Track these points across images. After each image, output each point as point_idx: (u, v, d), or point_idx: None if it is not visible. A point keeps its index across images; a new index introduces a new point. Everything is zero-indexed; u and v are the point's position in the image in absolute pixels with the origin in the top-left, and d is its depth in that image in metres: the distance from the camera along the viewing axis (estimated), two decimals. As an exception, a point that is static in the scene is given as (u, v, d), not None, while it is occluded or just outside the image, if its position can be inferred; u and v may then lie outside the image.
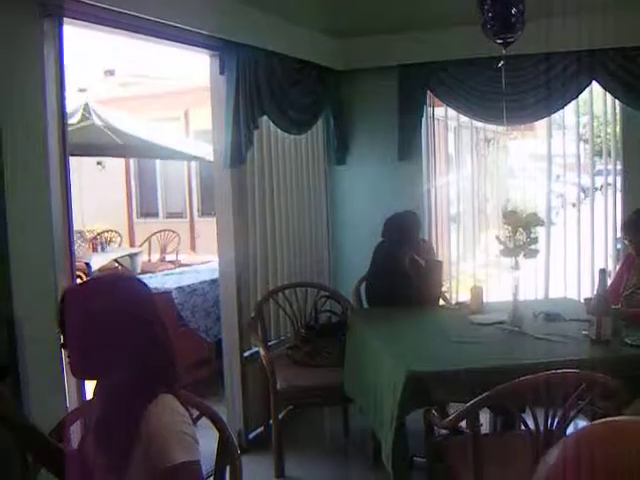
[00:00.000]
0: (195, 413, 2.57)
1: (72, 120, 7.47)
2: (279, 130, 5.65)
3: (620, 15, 5.25)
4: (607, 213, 6.27)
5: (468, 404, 3.09)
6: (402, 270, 5.07)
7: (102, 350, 2.09)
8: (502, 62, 4.57)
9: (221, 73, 4.97)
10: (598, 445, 1.44)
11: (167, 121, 14.02)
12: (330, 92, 6.20)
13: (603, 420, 1.51)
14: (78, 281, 3.56)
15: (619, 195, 6.09)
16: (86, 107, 8.02)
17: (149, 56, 11.80)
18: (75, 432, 2.58)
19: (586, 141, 8.09)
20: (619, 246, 6.10)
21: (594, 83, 5.68)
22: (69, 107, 5.17)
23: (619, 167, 6.15)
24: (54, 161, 3.59)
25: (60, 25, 3.60)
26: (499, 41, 4.29)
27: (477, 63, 5.79)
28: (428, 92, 6.15)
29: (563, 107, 5.84)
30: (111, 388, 2.12)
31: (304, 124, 5.91)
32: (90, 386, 2.29)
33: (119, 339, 2.10)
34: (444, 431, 3.92)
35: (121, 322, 2.11)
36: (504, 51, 4.39)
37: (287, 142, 5.91)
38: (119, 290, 2.20)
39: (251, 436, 5.36)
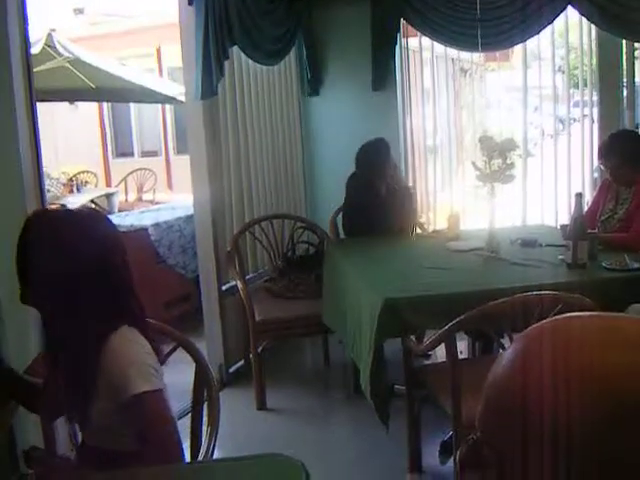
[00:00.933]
0: (171, 345, 2.56)
1: (34, 50, 7.29)
2: (251, 62, 5.57)
3: None
4: (584, 143, 6.27)
5: (444, 328, 3.10)
6: (375, 200, 5.05)
7: (60, 278, 2.05)
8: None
9: (190, 4, 4.87)
10: (547, 342, 1.45)
11: (139, 58, 13.85)
12: (302, 22, 6.11)
13: (552, 318, 1.53)
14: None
15: (595, 125, 6.08)
16: (49, 38, 7.79)
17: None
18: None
19: (563, 72, 8.04)
20: (596, 175, 6.11)
21: (570, 10, 5.61)
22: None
23: (595, 98, 6.12)
24: (20, 103, 3.47)
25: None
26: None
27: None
28: (402, 21, 6.06)
29: (538, 32, 5.77)
30: (69, 320, 2.08)
31: (276, 55, 5.83)
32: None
33: (79, 269, 2.06)
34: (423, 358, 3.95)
35: (83, 252, 2.07)
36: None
37: (259, 74, 5.84)
38: (86, 221, 2.17)
39: (232, 370, 5.38)
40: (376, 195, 5.08)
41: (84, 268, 2.06)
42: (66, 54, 7.97)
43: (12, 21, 3.43)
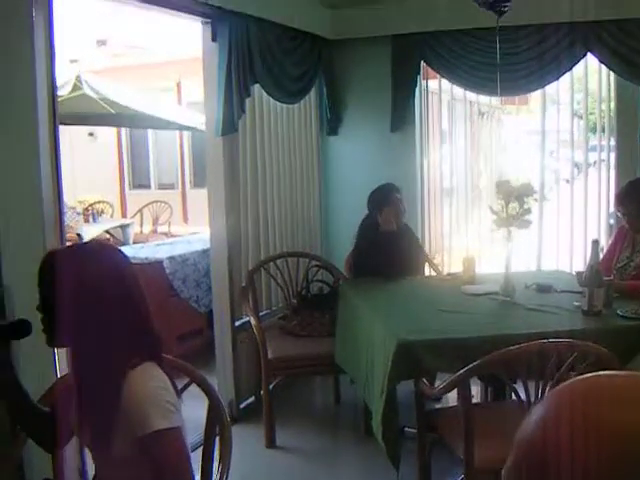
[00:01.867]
0: (185, 381, 2.57)
1: (64, 91, 7.41)
2: (272, 99, 5.61)
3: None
4: (600, 189, 6.25)
5: (458, 373, 3.09)
6: (384, 242, 5.06)
7: (78, 316, 2.06)
8: (497, 29, 4.51)
9: (213, 40, 4.93)
10: (578, 401, 1.43)
11: (159, 92, 13.93)
12: (323, 62, 6.16)
13: (584, 376, 1.51)
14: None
15: (612, 171, 6.07)
16: (78, 78, 7.94)
17: (141, 26, 11.75)
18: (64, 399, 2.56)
19: (580, 117, 8.06)
20: (612, 221, 6.10)
21: (589, 57, 5.65)
22: (61, 78, 5.13)
23: (613, 143, 6.13)
24: (44, 132, 3.53)
25: (50, -9, 3.55)
26: (495, 9, 4.23)
27: (471, 34, 5.75)
28: (422, 63, 6.10)
29: (557, 79, 5.81)
30: (89, 357, 2.10)
31: (297, 93, 5.88)
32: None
33: (97, 306, 2.07)
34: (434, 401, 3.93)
35: (100, 289, 2.08)
36: (497, 21, 4.33)
37: (280, 112, 5.87)
38: (100, 257, 2.18)
39: (242, 406, 5.37)
40: (382, 237, 5.09)
41: (104, 305, 2.07)
42: (91, 93, 8.05)
43: (39, 53, 3.48)
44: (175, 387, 2.20)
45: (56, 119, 3.62)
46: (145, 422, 1.99)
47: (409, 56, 6.04)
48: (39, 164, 3.47)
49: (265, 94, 5.49)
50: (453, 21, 5.72)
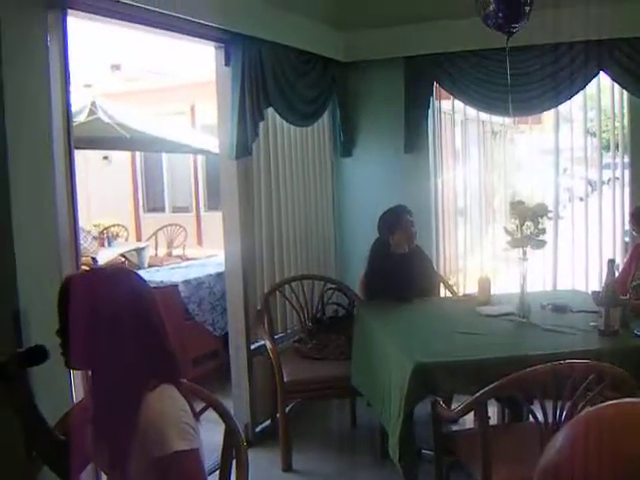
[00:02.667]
0: (201, 405, 2.56)
1: (79, 118, 7.46)
2: (285, 122, 5.63)
3: (628, 5, 5.23)
4: (615, 206, 6.24)
5: (475, 395, 3.08)
6: (395, 265, 5.06)
7: (98, 340, 2.07)
8: (507, 50, 4.51)
9: (226, 65, 4.96)
10: (606, 427, 1.41)
11: (174, 115, 14.03)
12: (336, 84, 6.18)
13: (613, 402, 1.48)
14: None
15: (627, 189, 6.06)
16: (93, 104, 7.99)
17: (155, 50, 11.82)
18: (80, 424, 2.57)
19: (593, 135, 8.05)
20: (627, 239, 6.08)
21: (602, 75, 5.65)
22: (76, 103, 5.17)
23: (627, 160, 6.12)
24: (59, 155, 3.57)
25: (64, 17, 3.58)
26: (504, 30, 4.23)
27: (484, 54, 5.76)
28: (434, 84, 6.12)
29: (570, 98, 5.81)
30: (108, 379, 2.10)
31: (310, 116, 5.90)
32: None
33: (116, 330, 2.08)
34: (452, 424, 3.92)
35: (118, 313, 2.10)
36: (507, 42, 4.34)
37: (293, 134, 5.89)
38: (118, 281, 2.20)
39: (258, 430, 5.35)
40: (394, 259, 5.09)
41: (124, 329, 2.08)
42: (105, 119, 8.11)
43: (54, 78, 3.53)
44: (193, 410, 2.20)
45: (71, 143, 3.66)
46: (164, 443, 1.99)
47: (422, 77, 6.05)
48: (55, 188, 3.51)
49: (279, 117, 5.51)
50: (465, 42, 5.73)
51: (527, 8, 4.11)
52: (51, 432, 2.34)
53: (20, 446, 2.65)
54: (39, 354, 2.24)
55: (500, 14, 4.11)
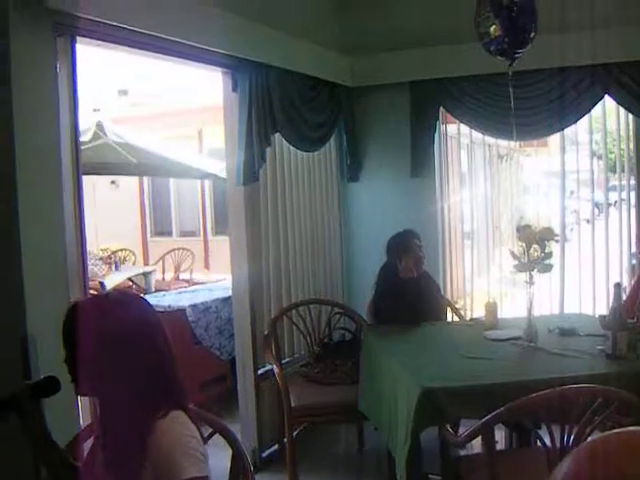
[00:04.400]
0: (208, 431, 2.57)
1: (84, 137, 7.49)
2: (292, 147, 5.65)
3: (633, 28, 5.25)
4: (622, 229, 6.24)
5: (482, 420, 3.07)
6: (404, 289, 5.05)
7: (105, 367, 2.08)
8: (510, 76, 4.53)
9: (234, 90, 5.00)
10: (612, 455, 1.41)
11: (181, 139, 14.08)
12: (343, 109, 6.21)
13: (617, 430, 1.48)
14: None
15: (633, 211, 6.06)
16: (99, 125, 8.05)
17: (162, 75, 11.88)
18: (88, 449, 2.57)
19: (599, 157, 8.06)
20: (634, 261, 6.07)
21: (607, 98, 5.67)
22: (82, 126, 5.20)
23: (633, 182, 6.12)
24: (67, 180, 3.59)
25: (73, 44, 3.62)
26: (508, 56, 4.25)
27: (489, 79, 5.77)
28: (440, 108, 6.14)
29: (576, 122, 5.83)
30: (116, 406, 2.11)
31: (317, 141, 5.92)
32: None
33: (124, 356, 2.09)
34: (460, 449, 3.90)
35: (126, 339, 2.10)
36: (510, 67, 4.36)
37: (300, 159, 5.91)
38: (124, 307, 2.20)
39: (265, 454, 5.34)
40: (403, 283, 5.09)
41: (131, 355, 2.09)
42: (113, 138, 8.15)
43: (63, 103, 3.56)
44: (202, 435, 2.21)
45: (79, 168, 3.69)
46: (175, 471, 1.99)
47: (428, 102, 6.08)
48: (63, 213, 3.53)
49: (285, 142, 5.53)
50: (471, 67, 5.75)
51: (532, 34, 4.13)
52: (65, 458, 2.34)
53: (30, 472, 2.67)
54: (51, 386, 2.25)
55: (506, 39, 4.13)
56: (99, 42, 3.89)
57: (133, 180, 15.18)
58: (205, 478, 2.05)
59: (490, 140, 8.72)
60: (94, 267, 10.98)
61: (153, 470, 2.02)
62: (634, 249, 5.98)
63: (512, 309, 6.81)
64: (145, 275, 11.20)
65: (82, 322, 2.10)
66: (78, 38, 3.64)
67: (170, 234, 15.75)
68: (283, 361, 5.41)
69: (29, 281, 3.21)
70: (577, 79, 5.58)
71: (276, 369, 4.96)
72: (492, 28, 4.11)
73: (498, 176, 10.94)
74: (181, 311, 6.56)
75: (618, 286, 3.96)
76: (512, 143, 10.20)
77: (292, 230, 5.80)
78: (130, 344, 2.11)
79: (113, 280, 10.28)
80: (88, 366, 2.07)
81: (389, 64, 6.13)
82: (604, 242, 6.33)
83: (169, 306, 6.71)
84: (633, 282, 5.05)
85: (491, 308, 4.89)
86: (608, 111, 6.28)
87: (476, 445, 4.49)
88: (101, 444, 2.18)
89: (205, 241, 15.38)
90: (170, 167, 9.81)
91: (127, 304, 2.23)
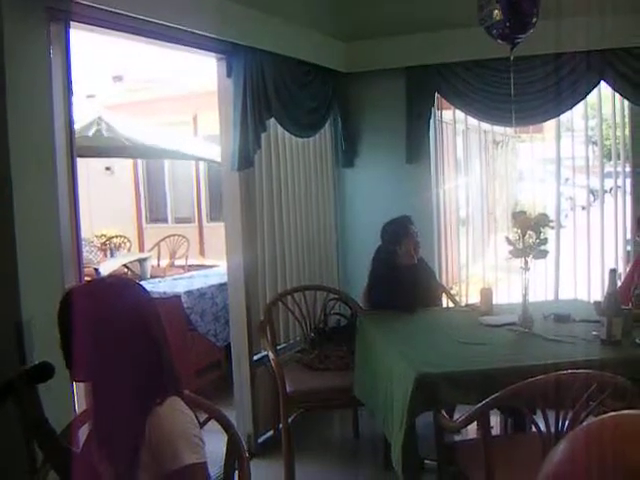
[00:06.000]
0: (203, 416, 2.56)
1: (88, 133, 7.49)
2: (287, 133, 5.64)
3: (629, 15, 5.24)
4: (617, 215, 6.24)
5: (478, 405, 3.08)
6: (399, 274, 5.05)
7: (100, 352, 2.08)
8: (510, 61, 4.52)
9: (228, 76, 4.98)
10: (607, 439, 1.40)
11: (176, 125, 14.02)
12: (338, 95, 6.20)
13: (612, 414, 1.47)
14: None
15: (629, 197, 6.06)
16: (100, 120, 7.98)
17: (157, 61, 11.85)
18: (83, 435, 2.57)
19: (595, 143, 8.06)
20: (629, 248, 6.08)
21: (603, 84, 5.67)
22: (81, 117, 5.18)
23: (628, 169, 6.12)
24: (62, 166, 3.58)
25: (67, 29, 3.60)
26: (509, 41, 4.24)
27: (485, 64, 5.78)
28: (436, 94, 6.13)
29: (571, 108, 5.83)
30: (111, 392, 2.11)
31: (312, 127, 5.91)
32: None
33: (121, 342, 2.08)
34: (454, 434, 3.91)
35: (121, 325, 2.10)
36: (511, 53, 4.35)
37: (295, 145, 5.90)
38: (120, 292, 2.19)
39: (261, 440, 5.35)
40: (400, 269, 5.09)
41: (126, 341, 2.08)
42: (111, 134, 8.10)
43: (57, 89, 3.55)
44: (198, 420, 2.21)
45: (74, 153, 3.68)
46: (176, 457, 1.99)
47: (423, 88, 6.07)
48: (57, 199, 3.52)
49: (280, 128, 5.52)
50: (467, 52, 5.75)
51: (534, 19, 4.12)
52: (61, 443, 2.35)
53: (25, 458, 2.68)
54: (45, 371, 2.25)
55: (507, 24, 4.11)
56: (93, 27, 3.87)
57: (128, 166, 15.15)
58: (204, 464, 2.05)
59: (486, 126, 8.72)
60: (89, 254, 10.97)
61: (151, 456, 2.02)
62: (629, 236, 5.99)
63: (507, 295, 6.81)
64: (140, 262, 11.19)
65: (78, 307, 2.09)
66: (72, 23, 3.62)
67: (165, 220, 15.72)
68: (278, 347, 5.42)
69: (23, 267, 3.22)
70: (573, 65, 5.57)
71: (271, 355, 4.96)
72: (495, 12, 4.09)
73: (493, 162, 10.95)
74: (176, 297, 6.56)
75: (613, 272, 3.97)
76: (508, 129, 10.22)
77: (287, 216, 5.80)
78: (126, 330, 2.10)
79: (108, 266, 10.26)
80: (84, 352, 2.06)
81: (384, 50, 6.12)
82: (599, 228, 6.33)
83: (164, 292, 6.71)
84: (628, 268, 5.05)
85: (486, 294, 4.90)
86: (604, 97, 6.27)
87: (471, 430, 4.52)
88: (95, 430, 2.18)
89: (200, 227, 15.36)
90: (165, 151, 9.78)
91: (123, 290, 2.23)
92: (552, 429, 3.02)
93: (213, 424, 2.63)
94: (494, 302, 4.94)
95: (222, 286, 6.62)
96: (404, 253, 5.12)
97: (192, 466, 2.00)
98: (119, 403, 2.09)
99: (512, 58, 4.46)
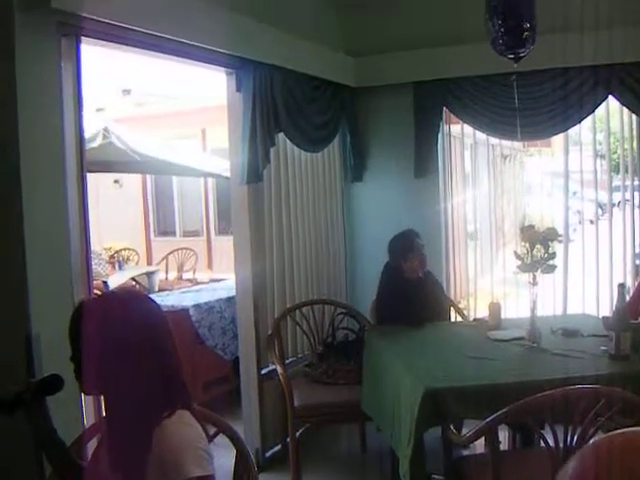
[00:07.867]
0: (212, 430, 2.57)
1: (93, 144, 7.49)
2: (296, 147, 5.66)
3: (637, 29, 5.25)
4: (625, 229, 6.22)
5: (486, 420, 3.07)
6: (407, 289, 5.05)
7: (111, 366, 2.08)
8: (514, 77, 4.53)
9: (238, 90, 5.00)
10: (617, 456, 1.41)
11: (184, 139, 14.08)
12: (346, 109, 6.21)
13: (622, 430, 1.47)
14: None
15: (637, 211, 6.05)
16: (106, 130, 8.00)
17: (166, 75, 11.90)
18: (92, 448, 2.58)
19: (603, 157, 8.06)
20: (638, 262, 6.07)
21: (610, 98, 5.67)
22: (88, 128, 5.19)
23: (636, 183, 6.12)
24: (72, 180, 3.60)
25: (77, 44, 3.62)
26: (510, 56, 4.24)
27: (492, 79, 5.78)
28: (444, 109, 6.14)
29: (579, 122, 5.82)
30: (121, 405, 2.11)
31: (321, 141, 5.93)
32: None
33: (131, 355, 2.09)
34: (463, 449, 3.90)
35: (133, 338, 2.10)
36: (515, 66, 4.35)
37: (304, 159, 5.91)
38: (131, 306, 2.19)
39: (268, 454, 5.34)
40: (407, 284, 5.09)
41: (137, 354, 2.09)
42: (118, 144, 8.12)
43: (67, 103, 3.57)
44: (207, 434, 2.21)
45: (84, 168, 3.70)
46: (181, 469, 1.99)
47: (431, 102, 6.08)
48: (67, 212, 3.53)
49: (289, 142, 5.54)
50: (474, 67, 5.76)
51: (527, 34, 4.10)
52: (70, 456, 2.36)
53: (34, 470, 2.68)
54: (55, 383, 2.26)
55: (501, 41, 4.12)
56: (103, 42, 3.89)
57: (136, 180, 15.21)
58: (211, 477, 2.05)
59: (494, 140, 8.73)
60: (97, 266, 10.98)
61: (159, 468, 2.02)
62: (638, 250, 5.98)
63: (515, 309, 6.80)
64: (148, 275, 11.21)
65: (90, 320, 2.10)
66: (82, 38, 3.64)
67: (173, 234, 15.76)
68: (286, 361, 5.41)
69: (33, 280, 3.23)
70: (581, 80, 5.57)
71: (279, 369, 4.96)
72: (490, 28, 4.11)
73: (502, 176, 10.95)
74: (184, 311, 6.56)
75: (622, 287, 3.97)
76: (516, 143, 10.23)
77: (296, 230, 5.80)
78: (137, 343, 2.10)
79: (116, 279, 10.28)
80: (94, 365, 2.07)
81: (393, 65, 6.13)
82: (607, 242, 6.32)
83: (172, 306, 6.70)
84: (637, 283, 5.04)
85: (495, 308, 4.89)
86: (612, 111, 6.27)
87: (479, 445, 4.50)
88: (106, 443, 2.18)
89: (208, 241, 15.39)
90: (174, 166, 9.78)
91: (134, 303, 2.23)
92: (560, 444, 3.01)
93: (222, 438, 2.63)
94: (502, 316, 4.93)
95: (230, 300, 6.62)
96: (410, 267, 5.12)
97: (195, 479, 2.00)
98: (127, 415, 2.09)
99: (515, 73, 4.46)
